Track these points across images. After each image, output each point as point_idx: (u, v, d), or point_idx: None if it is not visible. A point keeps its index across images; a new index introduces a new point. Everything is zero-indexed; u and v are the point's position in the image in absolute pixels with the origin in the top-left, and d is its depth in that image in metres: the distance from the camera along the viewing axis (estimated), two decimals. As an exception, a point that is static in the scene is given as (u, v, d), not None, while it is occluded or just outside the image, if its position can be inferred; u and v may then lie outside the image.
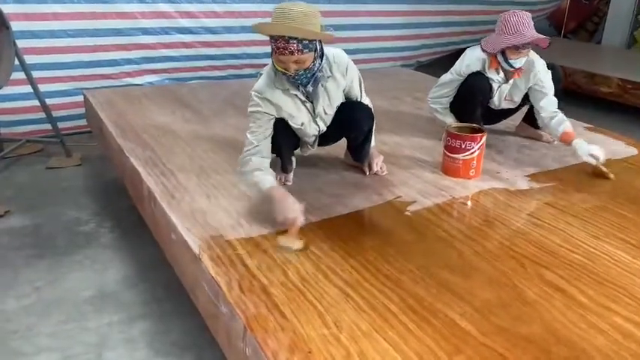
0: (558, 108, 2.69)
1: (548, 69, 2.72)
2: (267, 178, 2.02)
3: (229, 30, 4.47)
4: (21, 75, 3.51)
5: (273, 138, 2.18)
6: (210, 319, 1.73)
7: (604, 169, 2.47)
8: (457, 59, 2.77)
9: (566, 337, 1.44)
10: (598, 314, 1.54)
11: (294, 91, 2.12)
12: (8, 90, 3.65)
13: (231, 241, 1.83)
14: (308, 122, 2.23)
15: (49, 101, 3.76)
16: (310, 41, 1.93)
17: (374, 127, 2.39)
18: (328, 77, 2.16)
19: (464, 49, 2.80)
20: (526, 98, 2.78)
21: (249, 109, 2.13)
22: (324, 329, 1.43)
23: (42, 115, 3.71)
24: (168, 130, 2.90)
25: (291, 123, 2.19)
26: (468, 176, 2.40)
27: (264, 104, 2.10)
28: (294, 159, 2.39)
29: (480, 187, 2.35)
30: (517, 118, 3.00)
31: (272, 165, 2.34)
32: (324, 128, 2.29)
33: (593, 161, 2.46)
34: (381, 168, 2.44)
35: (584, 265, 1.77)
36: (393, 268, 1.73)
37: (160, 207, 2.07)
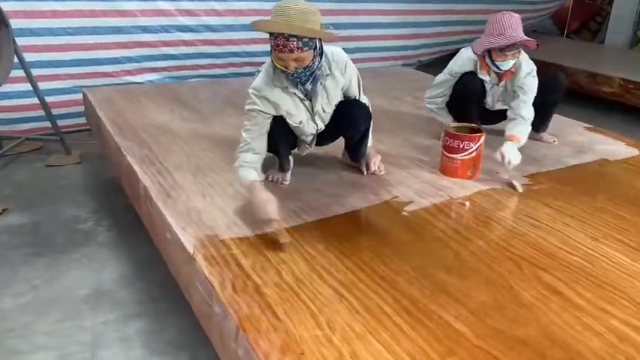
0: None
1: (554, 79, 2.70)
2: (250, 174, 2.02)
3: (230, 28, 4.46)
4: (21, 73, 3.51)
5: (270, 137, 2.17)
6: (203, 319, 1.72)
7: (509, 175, 2.36)
8: None
9: (562, 339, 1.43)
10: (594, 317, 1.52)
11: (292, 89, 2.11)
12: (7, 88, 3.66)
13: (226, 241, 1.82)
14: (306, 120, 2.22)
15: (48, 99, 3.76)
16: (310, 39, 1.92)
17: (371, 127, 2.38)
18: (327, 75, 2.15)
19: None
20: None
21: (246, 107, 2.12)
22: (317, 330, 1.42)
23: (41, 112, 3.71)
24: (167, 128, 2.89)
25: (289, 121, 2.18)
26: (466, 176, 2.39)
27: (262, 102, 2.09)
28: (291, 158, 2.38)
29: (478, 187, 2.33)
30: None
31: (270, 164, 2.35)
32: (322, 127, 2.28)
33: (499, 159, 2.35)
34: (378, 168, 2.43)
35: (582, 267, 1.76)
36: (389, 268, 1.72)
37: (156, 206, 2.06)
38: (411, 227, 2.00)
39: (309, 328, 1.43)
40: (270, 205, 1.88)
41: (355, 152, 2.40)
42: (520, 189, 2.30)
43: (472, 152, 2.35)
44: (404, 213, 2.09)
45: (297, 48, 1.90)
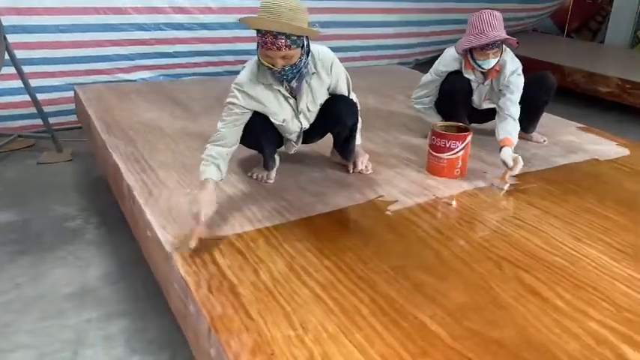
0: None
1: (543, 79, 2.68)
2: (209, 170, 1.96)
3: (224, 26, 4.44)
4: (12, 70, 3.50)
5: (254, 135, 2.16)
6: (180, 319, 1.71)
7: (507, 178, 2.31)
8: None
9: (539, 341, 1.41)
10: (573, 319, 1.50)
11: (277, 87, 2.10)
12: (2, 84, 3.64)
13: (205, 240, 1.80)
14: (290, 119, 2.20)
15: (42, 96, 3.75)
16: (298, 37, 1.91)
17: (359, 124, 2.36)
18: (312, 74, 2.13)
19: None
20: None
21: (227, 100, 2.10)
22: (289, 331, 1.40)
23: (34, 110, 3.70)
24: (155, 126, 2.88)
25: (272, 119, 2.16)
26: (452, 176, 2.37)
27: (242, 97, 2.07)
28: (277, 157, 2.36)
29: (464, 187, 2.31)
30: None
31: (256, 162, 2.33)
32: (307, 125, 2.26)
33: (510, 163, 2.30)
34: (366, 167, 2.41)
35: (563, 268, 1.74)
36: (368, 268, 1.70)
37: (138, 203, 2.05)
38: (393, 227, 1.98)
39: (282, 328, 1.41)
40: (206, 207, 1.82)
41: (343, 150, 2.38)
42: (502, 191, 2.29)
43: (458, 151, 2.33)
44: (388, 212, 2.08)
45: (286, 46, 1.88)
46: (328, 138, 2.42)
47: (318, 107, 2.23)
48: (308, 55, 2.05)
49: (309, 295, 1.56)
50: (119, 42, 4.14)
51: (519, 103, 2.59)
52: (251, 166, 2.36)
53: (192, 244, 1.71)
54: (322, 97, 2.22)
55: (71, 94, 3.78)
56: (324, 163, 2.49)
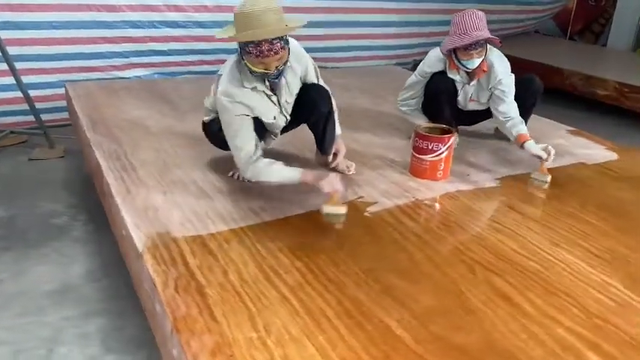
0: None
1: (529, 82, 2.67)
2: (285, 170, 2.06)
3: (219, 24, 4.38)
4: (5, 66, 3.51)
5: None
6: (150, 318, 1.70)
7: (545, 169, 2.38)
8: None
9: (503, 347, 1.40)
10: (542, 325, 1.49)
11: (261, 87, 2.09)
12: (-8, 80, 3.66)
13: (178, 239, 1.80)
14: (278, 115, 2.20)
15: (35, 93, 3.76)
16: (284, 35, 1.92)
17: (336, 114, 2.35)
18: (288, 67, 2.12)
19: None
20: None
21: (225, 117, 2.06)
22: (252, 333, 1.40)
23: (27, 106, 3.70)
24: (141, 124, 2.88)
25: (263, 119, 2.16)
26: (435, 178, 2.35)
27: (239, 107, 2.05)
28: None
29: (446, 189, 2.30)
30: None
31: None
32: (289, 118, 2.26)
33: (544, 155, 2.37)
34: (348, 167, 2.40)
35: (537, 273, 1.72)
36: (339, 270, 1.69)
37: (115, 201, 2.05)
38: (370, 229, 1.97)
39: (244, 330, 1.40)
40: (337, 176, 2.02)
41: (323, 142, 2.36)
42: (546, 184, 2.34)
43: (441, 153, 2.31)
44: (366, 214, 2.07)
45: (281, 48, 1.91)
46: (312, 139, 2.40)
47: (294, 97, 2.23)
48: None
49: (276, 296, 1.55)
50: (113, 39, 4.13)
51: None
52: (230, 165, 2.35)
53: (343, 209, 1.95)
54: (297, 87, 2.22)
55: (64, 90, 3.78)
56: (307, 164, 2.47)
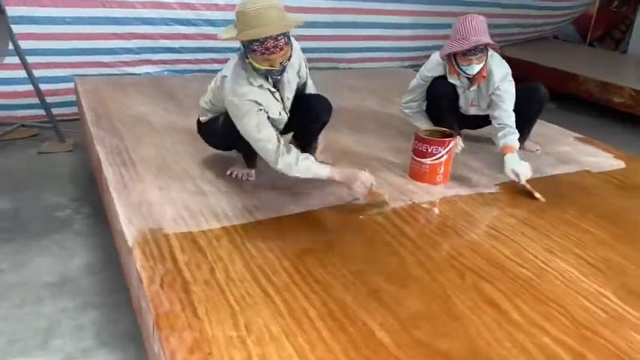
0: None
1: (534, 91, 2.63)
2: (319, 165, 2.10)
3: (230, 23, 4.43)
4: (17, 59, 3.55)
5: (236, 136, 2.15)
6: (137, 314, 1.71)
7: (528, 187, 2.30)
8: None
9: (486, 355, 1.38)
10: (528, 333, 1.47)
11: (265, 85, 2.09)
12: (4, 74, 3.70)
13: (169, 235, 1.81)
14: (282, 110, 2.19)
15: (47, 87, 3.81)
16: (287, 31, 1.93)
17: None
18: (289, 63, 2.12)
19: None
20: None
21: (241, 116, 2.04)
22: (232, 331, 1.39)
23: (38, 100, 3.75)
24: (145, 120, 2.90)
25: (271, 116, 2.15)
26: (434, 182, 2.33)
27: (253, 105, 2.03)
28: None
29: (444, 193, 2.28)
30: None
31: (233, 161, 2.32)
32: (288, 114, 2.25)
33: (514, 178, 2.31)
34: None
35: (528, 281, 1.70)
36: (327, 272, 1.68)
37: (111, 196, 2.06)
38: (363, 231, 1.96)
39: (225, 328, 1.40)
40: (366, 173, 2.07)
41: (309, 141, 2.40)
42: (542, 199, 2.27)
43: (441, 157, 2.29)
44: (361, 216, 2.05)
45: (286, 44, 1.92)
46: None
47: (293, 93, 2.23)
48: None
49: (261, 295, 1.54)
50: (125, 36, 4.17)
51: None
52: (228, 163, 2.36)
53: (385, 196, 2.10)
54: (295, 82, 2.23)
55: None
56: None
